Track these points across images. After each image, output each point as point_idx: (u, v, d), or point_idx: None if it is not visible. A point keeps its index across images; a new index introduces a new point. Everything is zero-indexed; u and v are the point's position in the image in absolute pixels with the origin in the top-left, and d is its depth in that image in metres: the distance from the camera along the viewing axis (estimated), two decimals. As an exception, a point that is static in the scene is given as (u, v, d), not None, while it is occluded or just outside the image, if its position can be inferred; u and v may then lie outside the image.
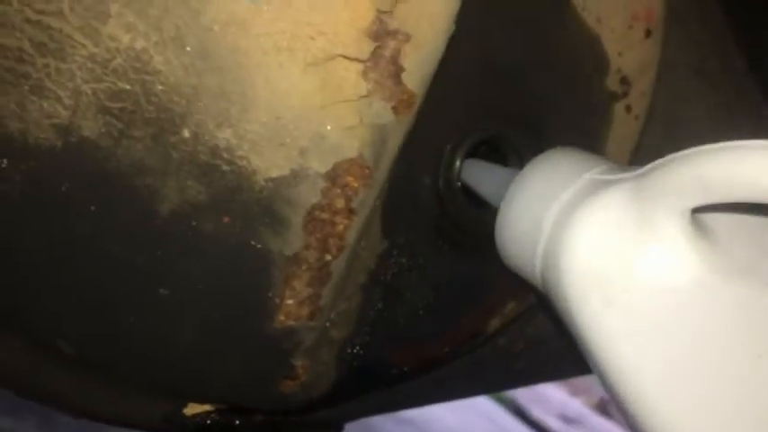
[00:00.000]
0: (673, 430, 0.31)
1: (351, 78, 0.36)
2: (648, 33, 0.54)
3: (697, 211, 0.33)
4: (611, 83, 0.54)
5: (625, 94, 0.55)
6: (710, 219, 0.35)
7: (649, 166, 0.34)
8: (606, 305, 0.35)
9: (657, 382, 0.32)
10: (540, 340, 0.65)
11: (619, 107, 0.55)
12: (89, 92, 0.34)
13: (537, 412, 3.27)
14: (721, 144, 0.30)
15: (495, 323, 0.57)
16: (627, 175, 0.36)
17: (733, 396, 0.29)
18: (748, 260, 0.34)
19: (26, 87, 0.34)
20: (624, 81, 0.54)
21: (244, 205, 0.37)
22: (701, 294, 0.33)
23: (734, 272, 0.33)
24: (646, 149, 0.57)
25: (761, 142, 0.29)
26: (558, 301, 0.38)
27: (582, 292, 0.36)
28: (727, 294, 0.33)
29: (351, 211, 0.39)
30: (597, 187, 0.37)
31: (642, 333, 0.33)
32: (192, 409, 0.51)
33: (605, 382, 0.35)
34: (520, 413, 3.28)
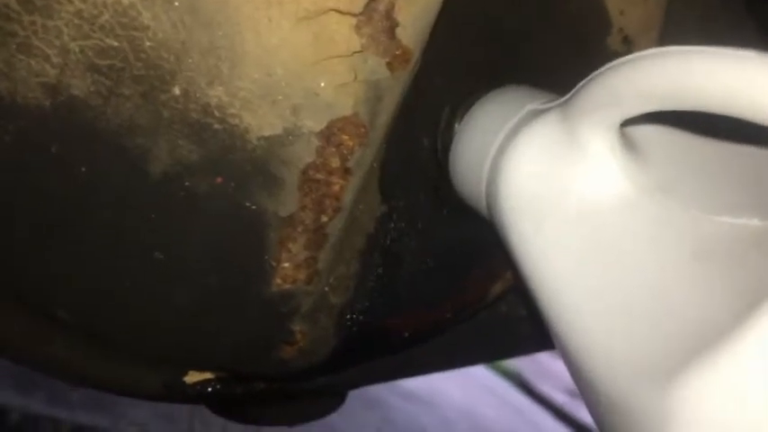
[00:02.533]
0: (594, 337, 0.31)
1: (343, 33, 0.35)
2: (652, -9, 0.53)
3: (628, 125, 0.34)
4: (613, 42, 0.53)
5: (628, 53, 0.54)
6: (642, 136, 0.36)
7: (576, 87, 0.35)
8: (538, 225, 0.36)
9: (585, 300, 0.33)
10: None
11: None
12: (77, 49, 0.34)
13: (543, 387, 3.28)
14: (633, 55, 0.31)
15: (497, 288, 0.56)
16: (559, 100, 0.38)
17: (652, 305, 0.30)
18: (674, 177, 0.34)
19: (13, 46, 0.33)
20: (626, 40, 0.53)
21: (237, 165, 0.37)
22: (625, 210, 0.34)
23: (658, 188, 0.34)
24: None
25: (667, 49, 0.29)
26: (498, 226, 0.40)
27: (517, 215, 0.38)
28: (650, 210, 0.34)
29: (346, 171, 0.38)
30: (534, 115, 0.39)
31: (571, 250, 0.34)
32: (193, 377, 0.51)
33: (538, 304, 0.36)
34: (526, 387, 3.29)
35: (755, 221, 0.30)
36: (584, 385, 0.32)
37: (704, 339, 0.26)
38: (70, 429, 1.78)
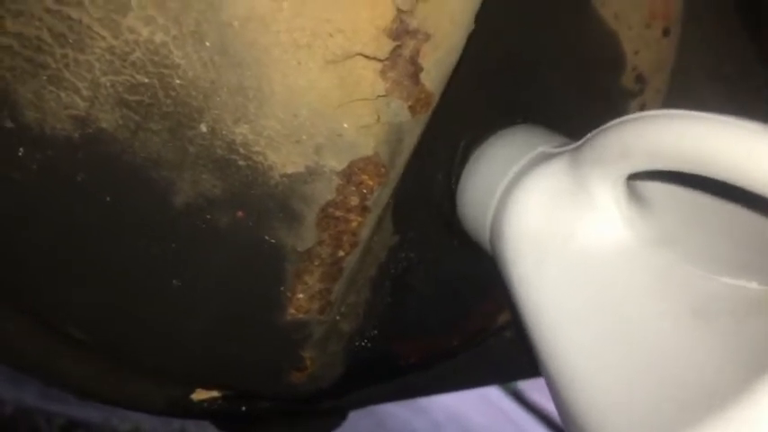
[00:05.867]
0: (588, 387, 0.32)
1: (369, 77, 0.35)
2: (666, 32, 0.54)
3: (635, 179, 0.34)
4: (627, 80, 0.54)
5: (640, 92, 0.55)
6: (650, 189, 0.36)
7: (587, 136, 0.36)
8: (539, 266, 0.37)
9: (580, 345, 0.33)
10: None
11: (634, 105, 0.55)
12: (107, 84, 0.34)
13: (536, 397, 3.29)
14: (645, 113, 0.32)
15: (503, 318, 0.57)
16: (571, 146, 0.38)
17: (649, 357, 0.31)
18: (678, 233, 0.35)
19: (44, 77, 0.34)
20: (640, 79, 0.54)
21: (258, 200, 0.37)
22: (626, 261, 0.35)
23: (661, 242, 0.35)
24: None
25: (680, 112, 0.30)
26: (500, 263, 0.40)
27: (519, 255, 0.38)
28: (651, 264, 0.34)
29: (365, 209, 0.39)
30: (545, 158, 0.40)
31: (570, 295, 0.35)
32: (200, 394, 0.52)
33: (533, 342, 0.37)
34: (519, 397, 3.29)
35: (755, 285, 0.31)
36: (572, 428, 0.32)
37: (701, 403, 0.26)
38: (63, 423, 1.77)
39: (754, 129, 0.26)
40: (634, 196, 0.36)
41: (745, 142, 0.26)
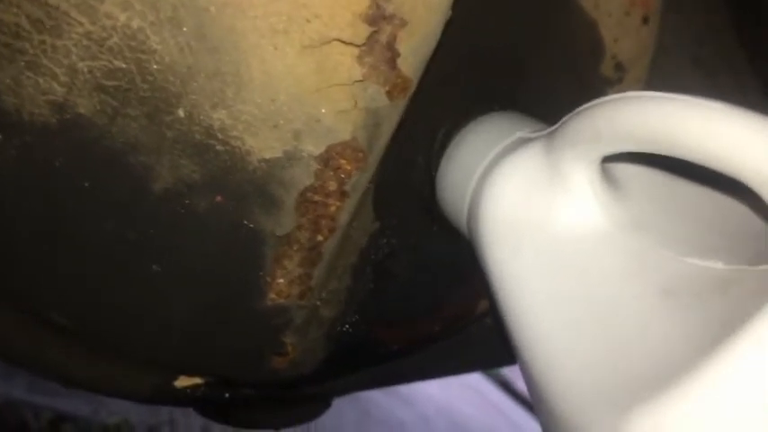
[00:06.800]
0: (559, 369, 0.32)
1: (346, 62, 0.36)
2: (646, 20, 0.54)
3: (611, 161, 0.35)
4: (606, 69, 0.54)
5: (620, 80, 0.55)
6: (624, 172, 0.37)
7: (561, 120, 0.36)
8: (515, 251, 0.37)
9: (554, 326, 0.34)
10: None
11: (613, 93, 0.55)
12: (85, 70, 0.34)
13: (522, 385, 3.31)
14: (616, 95, 0.32)
15: (484, 303, 0.57)
16: (547, 130, 0.38)
17: (619, 336, 0.31)
18: (649, 215, 0.35)
19: (22, 63, 0.34)
20: (619, 67, 0.55)
21: (237, 185, 0.38)
22: (599, 244, 0.35)
23: (633, 225, 0.35)
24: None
25: (648, 93, 0.30)
26: (477, 248, 0.40)
27: (495, 239, 0.38)
28: (624, 246, 0.34)
29: (343, 194, 0.39)
30: (521, 143, 0.40)
31: (545, 277, 0.35)
32: (183, 381, 0.52)
33: (508, 326, 0.37)
34: (505, 386, 3.31)
35: (720, 265, 0.31)
36: (545, 412, 0.33)
37: (663, 375, 0.26)
38: (51, 417, 1.77)
39: (717, 107, 0.27)
40: (609, 180, 0.36)
41: (708, 121, 0.27)
